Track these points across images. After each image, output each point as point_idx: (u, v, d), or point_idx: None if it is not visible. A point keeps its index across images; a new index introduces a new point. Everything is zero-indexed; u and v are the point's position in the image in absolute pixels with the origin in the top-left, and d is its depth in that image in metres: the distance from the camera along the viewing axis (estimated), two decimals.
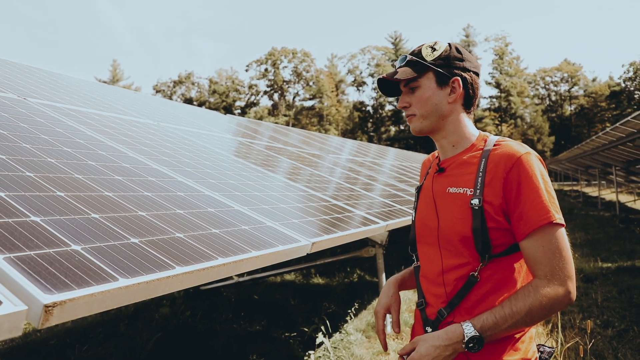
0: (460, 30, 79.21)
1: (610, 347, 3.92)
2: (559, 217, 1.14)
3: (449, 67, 1.29)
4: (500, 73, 52.93)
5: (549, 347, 1.27)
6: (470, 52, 1.43)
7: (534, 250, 1.13)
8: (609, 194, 24.01)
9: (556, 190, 31.60)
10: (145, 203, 1.72)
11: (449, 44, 1.32)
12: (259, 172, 3.41)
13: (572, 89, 56.24)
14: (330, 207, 3.02)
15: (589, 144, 14.10)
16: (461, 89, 1.29)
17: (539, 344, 1.28)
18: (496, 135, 1.34)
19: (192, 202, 1.96)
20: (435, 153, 1.46)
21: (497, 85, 52.73)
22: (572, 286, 1.12)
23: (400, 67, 1.34)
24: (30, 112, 2.67)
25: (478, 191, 1.19)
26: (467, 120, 1.34)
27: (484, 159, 1.23)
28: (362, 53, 59.68)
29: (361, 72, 59.46)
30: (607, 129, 10.56)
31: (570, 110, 55.78)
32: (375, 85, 59.30)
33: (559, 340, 3.50)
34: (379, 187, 5.14)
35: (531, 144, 51.29)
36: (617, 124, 9.49)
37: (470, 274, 1.19)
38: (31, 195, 1.40)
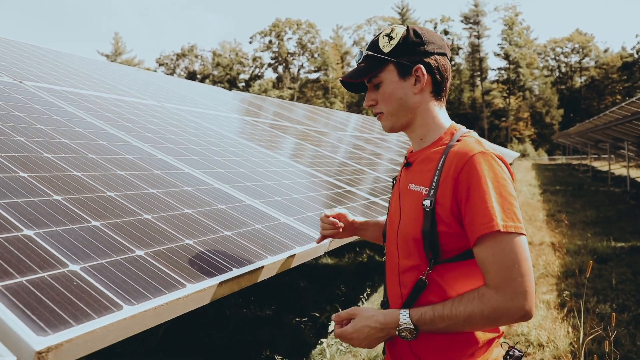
0: (469, 0, 77.10)
1: (628, 333, 3.83)
2: (510, 225, 1.02)
3: (410, 54, 1.16)
4: (510, 44, 51.78)
5: (519, 352, 1.15)
6: (433, 30, 1.30)
7: (482, 258, 1.04)
8: (618, 169, 23.72)
9: (564, 165, 31.29)
10: (151, 203, 1.59)
11: (407, 28, 1.18)
12: (268, 157, 3.26)
13: (583, 60, 55.07)
14: (343, 194, 2.89)
15: (601, 119, 13.78)
16: (426, 76, 1.16)
17: (510, 346, 1.16)
18: (467, 128, 1.21)
19: (201, 199, 1.83)
20: None
21: (506, 56, 51.66)
22: (525, 301, 1.00)
23: (358, 63, 1.25)
24: (27, 98, 2.51)
25: (432, 191, 1.10)
26: (437, 110, 1.21)
27: (443, 156, 1.12)
28: (368, 24, 58.55)
29: (367, 44, 58.38)
30: (622, 104, 10.26)
31: (581, 82, 54.73)
32: None
33: (579, 326, 3.40)
34: (389, 167, 4.99)
35: (540, 116, 50.65)
36: (634, 99, 9.21)
37: (419, 278, 1.12)
38: (24, 202, 1.26)
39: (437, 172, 1.10)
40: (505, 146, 44.38)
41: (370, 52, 1.21)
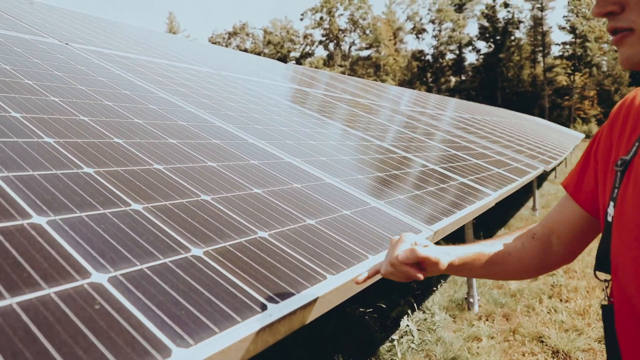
0: None
1: None
2: None
3: None
4: (577, 16, 48.06)
5: None
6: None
7: None
8: None
9: None
10: (209, 179, 1.21)
11: None
12: (337, 129, 2.83)
13: None
14: (442, 178, 2.42)
15: None
16: None
17: None
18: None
19: (274, 176, 1.43)
20: None
21: (572, 29, 48.05)
22: None
23: None
24: (70, 59, 2.20)
25: None
26: None
27: None
28: None
29: (421, 19, 56.14)
30: None
31: None
32: (437, 31, 55.35)
33: None
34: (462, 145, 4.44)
35: (607, 95, 47.14)
36: None
37: None
38: (40, 176, 0.91)
39: None
40: (567, 126, 41.66)
41: None
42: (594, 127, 43.45)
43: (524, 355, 2.82)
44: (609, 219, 0.68)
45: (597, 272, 0.73)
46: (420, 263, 0.79)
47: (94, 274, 0.66)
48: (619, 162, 0.68)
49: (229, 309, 0.68)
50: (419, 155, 2.92)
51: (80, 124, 1.30)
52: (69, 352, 0.50)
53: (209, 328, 0.62)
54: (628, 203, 0.64)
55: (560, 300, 3.62)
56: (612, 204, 0.68)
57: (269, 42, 57.69)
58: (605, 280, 0.71)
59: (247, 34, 59.88)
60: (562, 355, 2.77)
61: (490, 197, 2.28)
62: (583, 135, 25.21)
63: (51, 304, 0.57)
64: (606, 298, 0.71)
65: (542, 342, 2.94)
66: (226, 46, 59.49)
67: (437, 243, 1.09)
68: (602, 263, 0.70)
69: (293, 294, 0.78)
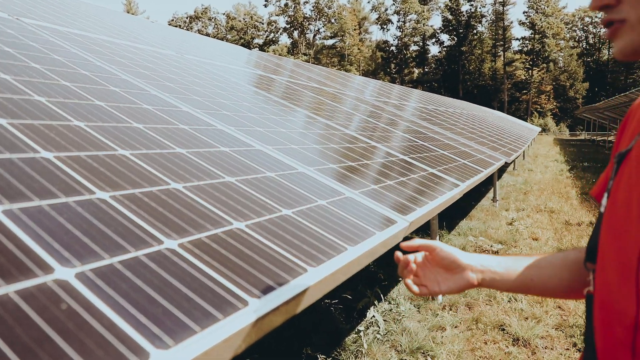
0: None
1: None
2: None
3: None
4: (536, 12, 49.55)
5: None
6: None
7: None
8: None
9: (587, 140, 30.24)
10: (181, 168, 1.14)
11: None
12: (316, 122, 2.79)
13: None
14: (428, 177, 2.42)
15: None
16: None
17: None
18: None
19: (247, 164, 1.38)
20: None
21: (532, 25, 49.51)
22: None
23: None
24: (21, 34, 2.05)
25: None
26: None
27: None
28: None
29: (386, 9, 56.42)
30: None
31: (608, 55, 52.54)
32: (402, 22, 55.61)
33: None
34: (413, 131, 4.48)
35: (563, 90, 49.01)
36: None
37: None
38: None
39: None
40: (525, 120, 43.09)
41: None
42: (549, 121, 45.13)
43: (486, 343, 2.89)
44: (602, 210, 0.67)
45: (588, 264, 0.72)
46: (434, 261, 0.81)
47: (58, 269, 0.59)
48: (617, 155, 0.67)
49: (210, 305, 0.63)
50: (388, 145, 2.91)
51: (36, 104, 1.20)
52: (32, 358, 0.45)
53: (189, 327, 0.57)
54: (619, 194, 0.64)
55: None
56: (606, 195, 0.67)
57: (232, 28, 56.57)
58: (593, 270, 0.70)
59: (210, 19, 58.46)
60: (522, 342, 2.85)
61: (459, 188, 2.31)
62: (539, 129, 26.14)
63: (10, 304, 0.50)
64: (592, 287, 0.70)
65: (503, 330, 3.02)
66: (187, 30, 57.90)
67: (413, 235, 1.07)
68: (592, 254, 0.69)
69: (275, 288, 0.74)
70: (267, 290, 0.73)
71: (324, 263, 0.91)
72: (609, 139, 26.60)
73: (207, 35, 57.16)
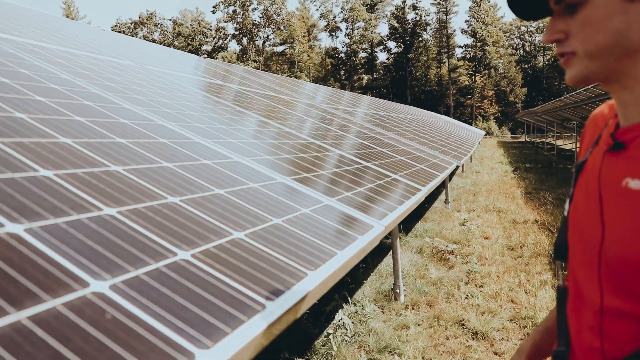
0: None
1: None
2: None
3: None
4: (477, 21, 51.98)
5: None
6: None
7: None
8: None
9: (528, 143, 31.98)
10: (173, 182, 1.18)
11: None
12: (282, 132, 2.85)
13: None
14: (395, 182, 2.53)
15: (573, 97, 13.93)
16: None
17: None
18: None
19: (230, 176, 1.43)
20: (613, 105, 0.82)
21: (473, 33, 51.90)
22: None
23: None
24: None
25: None
26: None
27: None
28: None
29: (334, 17, 57.26)
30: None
31: (543, 61, 55.87)
32: (350, 30, 57.03)
33: None
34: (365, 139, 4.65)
35: (504, 95, 51.55)
36: None
37: None
38: None
39: None
40: (470, 123, 44.97)
41: None
42: (492, 125, 47.34)
43: (447, 338, 3.04)
44: (565, 213, 0.80)
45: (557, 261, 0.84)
46: None
47: (93, 282, 0.64)
48: (575, 165, 0.80)
49: (233, 309, 0.69)
50: (351, 152, 3.02)
51: (19, 122, 1.20)
52: None
53: (220, 329, 0.63)
54: (580, 200, 0.76)
55: (476, 286, 3.94)
56: (568, 200, 0.80)
57: (179, 34, 55.49)
58: (562, 267, 0.82)
59: (156, 25, 57.07)
60: (481, 335, 3.03)
61: (422, 192, 2.45)
62: (484, 132, 27.37)
63: (61, 317, 0.54)
64: (562, 282, 0.82)
65: (462, 325, 3.19)
66: (132, 36, 56.18)
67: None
68: (559, 252, 0.82)
69: (284, 291, 0.81)
70: (278, 293, 0.79)
71: (320, 267, 0.98)
72: (547, 140, 28.22)
73: (154, 41, 55.73)
